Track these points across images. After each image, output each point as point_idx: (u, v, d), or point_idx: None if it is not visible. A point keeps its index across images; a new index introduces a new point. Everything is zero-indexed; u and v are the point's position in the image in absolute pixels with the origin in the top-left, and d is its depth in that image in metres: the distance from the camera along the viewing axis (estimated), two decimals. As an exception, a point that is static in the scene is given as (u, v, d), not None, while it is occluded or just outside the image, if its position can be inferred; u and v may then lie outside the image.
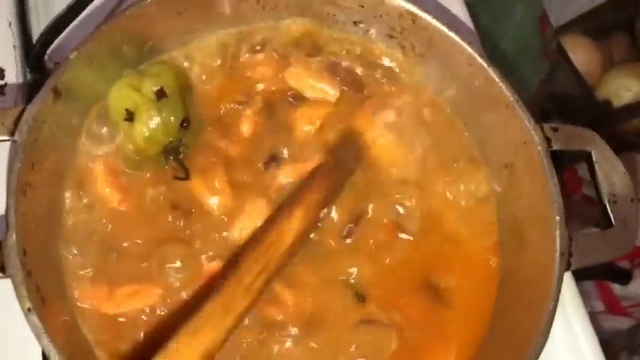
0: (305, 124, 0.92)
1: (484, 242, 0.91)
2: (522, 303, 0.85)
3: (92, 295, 0.80)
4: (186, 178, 0.87)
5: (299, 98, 0.93)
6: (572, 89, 1.87)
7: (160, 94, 0.83)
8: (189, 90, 0.91)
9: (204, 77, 0.93)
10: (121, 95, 0.84)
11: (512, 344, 0.82)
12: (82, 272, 0.81)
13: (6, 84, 1.00)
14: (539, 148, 0.86)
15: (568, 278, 0.97)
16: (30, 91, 1.00)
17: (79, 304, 0.80)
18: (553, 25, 1.77)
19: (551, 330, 0.77)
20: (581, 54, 2.02)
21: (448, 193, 0.93)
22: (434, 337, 0.85)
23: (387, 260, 0.88)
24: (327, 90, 0.94)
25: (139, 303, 0.81)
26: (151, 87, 0.83)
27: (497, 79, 0.89)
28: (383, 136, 0.93)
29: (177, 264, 0.82)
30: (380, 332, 0.84)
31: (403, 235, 0.89)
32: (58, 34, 1.00)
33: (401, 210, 0.90)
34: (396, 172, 0.92)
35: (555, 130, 0.88)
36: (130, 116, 0.83)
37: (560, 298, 0.79)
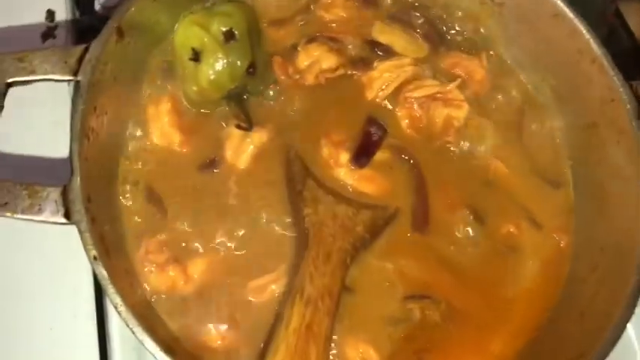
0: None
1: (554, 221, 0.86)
2: (596, 274, 0.80)
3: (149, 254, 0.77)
4: (249, 128, 0.82)
5: (388, 52, 0.89)
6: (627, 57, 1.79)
7: (229, 35, 0.79)
8: (259, 34, 0.86)
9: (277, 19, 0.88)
10: (188, 34, 0.80)
11: (586, 319, 0.77)
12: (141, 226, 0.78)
13: (57, 26, 0.95)
14: (628, 106, 0.80)
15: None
16: (80, 32, 0.96)
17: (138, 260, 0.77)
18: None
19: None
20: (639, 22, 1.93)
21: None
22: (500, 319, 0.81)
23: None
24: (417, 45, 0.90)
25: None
26: (219, 27, 0.79)
27: (584, 31, 0.83)
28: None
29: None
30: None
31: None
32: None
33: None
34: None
35: (646, 88, 0.82)
36: (196, 56, 0.79)
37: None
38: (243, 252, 0.79)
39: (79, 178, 0.67)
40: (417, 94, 0.88)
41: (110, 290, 0.63)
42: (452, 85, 0.88)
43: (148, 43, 0.81)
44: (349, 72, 0.88)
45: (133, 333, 0.63)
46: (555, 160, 0.90)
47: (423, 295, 0.79)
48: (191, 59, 0.80)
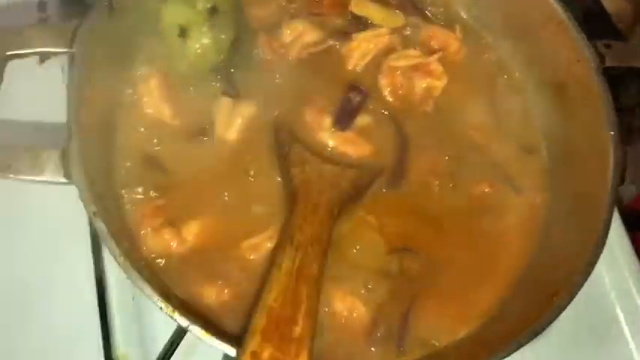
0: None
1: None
2: (568, 221, 0.84)
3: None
4: (236, 95, 0.86)
5: (366, 24, 0.94)
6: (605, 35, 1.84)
7: (212, 11, 0.83)
8: (242, 11, 0.91)
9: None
10: (174, 11, 0.84)
11: (563, 259, 0.81)
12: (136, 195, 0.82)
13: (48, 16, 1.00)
14: (592, 65, 0.85)
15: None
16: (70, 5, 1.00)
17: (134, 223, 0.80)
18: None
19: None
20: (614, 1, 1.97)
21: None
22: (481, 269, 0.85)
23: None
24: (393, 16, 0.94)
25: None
26: (204, 3, 0.83)
27: (547, -3, 0.88)
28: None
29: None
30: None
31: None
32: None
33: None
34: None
35: (608, 46, 0.87)
36: (183, 32, 0.83)
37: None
38: (236, 214, 0.82)
39: (76, 142, 0.72)
40: (400, 63, 0.92)
41: (109, 242, 0.67)
42: (433, 57, 0.92)
43: (137, 21, 0.84)
44: (330, 42, 0.92)
45: (132, 281, 0.67)
46: (527, 124, 0.94)
47: (404, 248, 0.83)
48: (178, 36, 0.84)
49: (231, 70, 0.88)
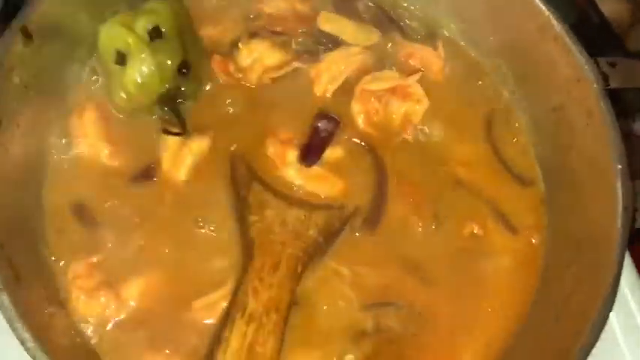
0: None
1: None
2: (571, 271, 0.73)
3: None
4: (182, 133, 0.76)
5: (336, 42, 0.84)
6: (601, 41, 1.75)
7: (155, 33, 0.73)
8: (192, 30, 0.80)
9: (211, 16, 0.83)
10: (111, 35, 0.74)
11: (562, 321, 0.71)
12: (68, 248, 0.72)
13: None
14: (595, 85, 0.74)
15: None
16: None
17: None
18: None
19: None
20: (610, 2, 1.90)
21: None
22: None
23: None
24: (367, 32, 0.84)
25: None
26: (145, 25, 0.73)
27: (543, 8, 0.78)
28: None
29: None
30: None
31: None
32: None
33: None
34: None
35: (613, 65, 0.76)
36: (122, 59, 0.73)
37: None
38: (185, 269, 0.72)
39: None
40: (374, 86, 0.82)
41: (16, 324, 0.55)
42: (412, 79, 0.82)
43: (66, 47, 0.74)
44: (295, 65, 0.82)
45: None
46: (522, 152, 0.84)
47: (384, 302, 0.73)
48: (116, 63, 0.74)
49: (179, 100, 0.77)
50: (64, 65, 0.75)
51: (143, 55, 0.73)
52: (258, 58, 0.82)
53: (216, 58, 0.82)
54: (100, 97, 0.78)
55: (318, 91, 0.82)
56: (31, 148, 0.71)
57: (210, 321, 0.70)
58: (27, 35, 0.67)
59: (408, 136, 0.82)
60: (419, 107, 0.82)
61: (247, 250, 0.71)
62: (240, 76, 0.82)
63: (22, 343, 0.55)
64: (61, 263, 0.71)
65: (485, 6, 0.83)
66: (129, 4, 0.77)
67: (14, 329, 0.56)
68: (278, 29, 0.84)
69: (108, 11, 0.76)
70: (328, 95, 0.82)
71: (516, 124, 0.84)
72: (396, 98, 0.82)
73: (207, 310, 0.70)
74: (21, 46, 0.67)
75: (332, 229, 0.75)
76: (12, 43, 0.66)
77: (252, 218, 0.73)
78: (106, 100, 0.77)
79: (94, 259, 0.71)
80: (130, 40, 0.73)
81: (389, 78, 0.83)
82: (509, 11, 0.80)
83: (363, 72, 0.83)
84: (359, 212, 0.77)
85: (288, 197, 0.76)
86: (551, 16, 0.77)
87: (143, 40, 0.73)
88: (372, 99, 0.82)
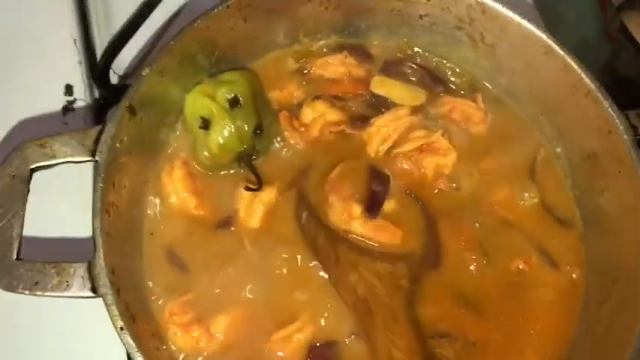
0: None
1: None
2: (608, 305, 0.81)
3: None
4: (259, 189, 0.86)
5: (386, 105, 0.93)
6: (637, 71, 1.78)
7: (234, 102, 0.83)
8: (263, 96, 0.91)
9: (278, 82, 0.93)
10: (196, 104, 0.85)
11: (601, 351, 0.78)
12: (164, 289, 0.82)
13: (75, 100, 1.01)
14: (625, 137, 0.81)
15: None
16: (98, 106, 1.01)
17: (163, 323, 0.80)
18: (614, 4, 1.68)
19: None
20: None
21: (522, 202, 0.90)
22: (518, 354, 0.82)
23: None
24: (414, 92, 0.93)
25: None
26: (225, 95, 0.83)
27: (575, 67, 0.85)
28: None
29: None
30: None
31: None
32: (122, 48, 1.00)
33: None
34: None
35: (642, 117, 0.84)
36: (206, 124, 0.84)
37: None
38: (264, 305, 0.81)
39: (102, 253, 0.71)
40: (403, 148, 0.90)
41: (138, 359, 0.67)
42: (436, 136, 0.90)
43: (159, 116, 0.85)
44: (349, 131, 0.91)
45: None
46: (563, 196, 0.91)
47: (442, 333, 0.80)
48: (201, 127, 0.84)
49: (253, 157, 0.87)
50: (157, 130, 0.86)
51: (224, 121, 0.83)
52: (320, 115, 0.91)
53: (284, 113, 0.91)
54: (186, 156, 0.88)
55: (371, 152, 0.90)
56: (133, 204, 0.82)
57: (281, 354, 0.78)
58: (132, 112, 0.78)
59: (443, 185, 0.89)
60: (447, 159, 0.90)
61: (360, 307, 0.79)
62: (303, 129, 0.91)
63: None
64: (160, 302, 0.80)
65: (523, 64, 0.91)
66: (208, 74, 0.88)
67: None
68: (338, 94, 0.94)
69: (192, 82, 0.87)
70: (380, 155, 0.90)
71: (555, 171, 0.91)
72: (425, 155, 0.90)
73: (285, 343, 0.79)
74: (127, 121, 0.78)
75: (414, 275, 0.82)
76: (121, 120, 0.77)
77: (353, 277, 0.80)
78: (191, 158, 0.88)
79: (187, 298, 0.80)
80: (214, 108, 0.83)
81: (415, 138, 0.90)
82: (544, 69, 0.88)
83: (411, 130, 0.91)
84: (425, 256, 0.84)
85: (368, 251, 0.83)
86: (582, 74, 0.84)
87: (224, 107, 0.84)
88: (404, 161, 0.90)
